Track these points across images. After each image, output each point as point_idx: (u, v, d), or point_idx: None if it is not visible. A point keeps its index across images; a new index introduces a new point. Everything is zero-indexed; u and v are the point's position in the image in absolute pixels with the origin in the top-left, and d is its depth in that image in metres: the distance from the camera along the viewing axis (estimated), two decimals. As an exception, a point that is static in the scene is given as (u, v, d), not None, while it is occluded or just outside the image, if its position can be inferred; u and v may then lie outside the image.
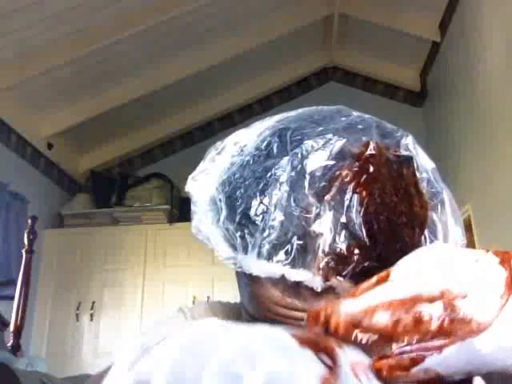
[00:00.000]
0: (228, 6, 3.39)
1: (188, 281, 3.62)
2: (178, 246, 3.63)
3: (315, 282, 0.44)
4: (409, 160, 0.49)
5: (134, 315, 3.58)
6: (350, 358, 0.33)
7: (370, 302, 0.34)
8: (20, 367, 2.12)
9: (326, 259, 0.44)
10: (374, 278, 0.36)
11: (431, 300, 0.34)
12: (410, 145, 0.50)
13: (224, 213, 0.49)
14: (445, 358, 0.32)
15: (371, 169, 0.46)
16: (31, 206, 3.38)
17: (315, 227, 0.44)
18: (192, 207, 0.52)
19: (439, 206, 0.49)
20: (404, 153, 0.49)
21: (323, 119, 0.50)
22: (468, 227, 3.06)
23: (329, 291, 0.45)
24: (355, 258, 0.44)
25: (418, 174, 0.48)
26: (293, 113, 0.54)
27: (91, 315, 3.61)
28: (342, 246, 0.44)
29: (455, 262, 0.35)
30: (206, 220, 0.50)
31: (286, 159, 0.47)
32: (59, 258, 3.76)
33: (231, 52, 3.73)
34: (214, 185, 0.51)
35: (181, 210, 3.87)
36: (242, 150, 0.51)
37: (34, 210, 3.19)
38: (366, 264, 0.44)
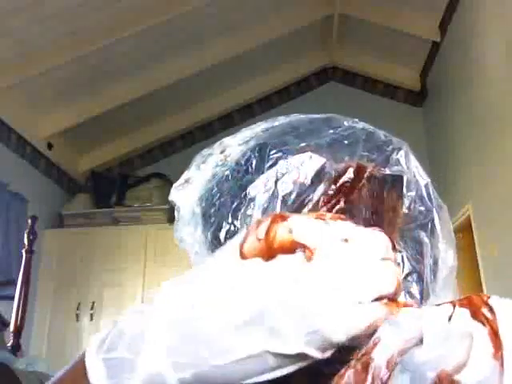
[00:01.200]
0: (228, 6, 3.39)
1: (188, 281, 3.62)
2: (177, 246, 3.62)
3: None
4: (395, 179, 0.46)
5: (134, 315, 3.57)
6: None
7: None
8: (20, 367, 2.12)
9: None
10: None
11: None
12: (401, 159, 0.47)
13: (199, 228, 0.49)
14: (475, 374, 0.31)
15: (348, 194, 0.44)
16: (31, 206, 3.38)
17: None
18: (176, 214, 0.53)
19: (429, 226, 0.46)
20: (394, 169, 0.46)
21: (308, 132, 0.48)
22: (468, 227, 3.06)
23: None
24: None
25: (405, 192, 0.46)
26: (282, 120, 0.52)
27: (91, 315, 3.61)
28: None
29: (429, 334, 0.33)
30: (187, 230, 0.51)
31: (260, 179, 0.46)
32: (59, 258, 3.76)
33: (231, 52, 3.73)
34: (195, 196, 0.51)
35: (181, 210, 3.86)
36: (225, 160, 0.51)
37: (34, 210, 3.18)
38: None
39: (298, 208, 0.44)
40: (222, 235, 0.46)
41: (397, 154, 0.47)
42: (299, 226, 0.34)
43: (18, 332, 2.44)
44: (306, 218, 0.35)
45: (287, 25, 3.76)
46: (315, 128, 0.49)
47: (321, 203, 0.44)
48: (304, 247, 0.33)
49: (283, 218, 0.34)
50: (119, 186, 4.04)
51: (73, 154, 4.15)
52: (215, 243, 0.47)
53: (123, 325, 0.35)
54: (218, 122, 4.41)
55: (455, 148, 3.50)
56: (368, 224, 0.42)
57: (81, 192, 4.13)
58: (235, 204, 0.46)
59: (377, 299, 0.32)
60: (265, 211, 0.44)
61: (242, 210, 0.45)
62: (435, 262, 0.46)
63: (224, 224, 0.46)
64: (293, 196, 0.44)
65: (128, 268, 3.72)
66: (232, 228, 0.45)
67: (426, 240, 0.46)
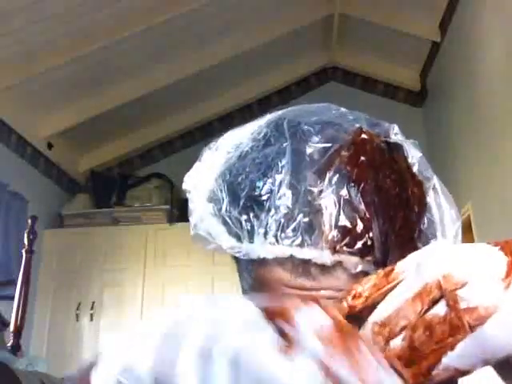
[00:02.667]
0: (228, 6, 3.39)
1: (188, 281, 3.62)
2: (177, 246, 3.63)
3: (324, 257, 0.44)
4: (398, 147, 0.50)
5: (134, 315, 3.58)
6: (310, 318, 0.34)
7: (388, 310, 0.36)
8: (20, 367, 2.12)
9: (332, 233, 0.44)
10: (381, 272, 0.38)
11: (433, 296, 0.34)
12: (398, 134, 0.51)
13: (226, 200, 0.49)
14: (459, 354, 0.33)
15: (366, 152, 0.48)
16: (31, 206, 3.38)
17: (320, 202, 0.45)
18: (189, 204, 0.52)
19: (431, 191, 0.50)
20: (393, 139, 0.51)
21: (315, 111, 0.52)
22: (468, 227, 3.06)
23: (337, 267, 0.45)
24: (358, 230, 0.44)
25: (408, 160, 0.50)
26: (283, 110, 0.54)
27: (91, 315, 3.61)
28: (345, 219, 0.45)
29: (453, 252, 0.36)
30: (205, 214, 0.50)
31: (285, 144, 0.48)
32: (59, 258, 3.76)
33: (231, 52, 3.73)
34: (213, 178, 0.51)
35: (181, 210, 3.87)
36: (237, 147, 0.52)
37: (34, 210, 3.18)
38: (369, 235, 0.44)
39: (323, 167, 0.46)
40: (256, 193, 0.47)
41: (393, 129, 0.52)
42: None
43: (18, 332, 2.44)
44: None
45: (287, 25, 3.76)
46: (319, 110, 0.53)
47: (343, 161, 0.47)
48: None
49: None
50: (119, 186, 4.04)
51: (73, 154, 4.15)
52: (250, 205, 0.47)
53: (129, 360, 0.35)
54: (217, 122, 4.41)
55: (455, 148, 3.50)
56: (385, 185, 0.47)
57: (81, 192, 4.13)
58: (263, 169, 0.47)
59: None
60: (294, 169, 0.46)
61: (272, 173, 0.47)
62: (442, 222, 0.50)
63: (257, 184, 0.47)
64: (318, 154, 0.47)
65: (128, 268, 3.72)
66: (266, 186, 0.47)
67: (431, 201, 0.50)
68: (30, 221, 2.73)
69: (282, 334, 0.33)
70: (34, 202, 3.47)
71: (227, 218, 0.48)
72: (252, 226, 0.47)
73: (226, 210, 0.48)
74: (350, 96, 4.31)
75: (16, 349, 2.39)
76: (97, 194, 4.06)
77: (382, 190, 0.47)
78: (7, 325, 2.42)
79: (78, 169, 4.22)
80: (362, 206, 0.45)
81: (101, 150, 4.25)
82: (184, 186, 0.53)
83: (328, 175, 0.46)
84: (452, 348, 0.33)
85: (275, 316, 0.34)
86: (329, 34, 4.11)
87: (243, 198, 0.47)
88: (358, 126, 0.50)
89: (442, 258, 0.36)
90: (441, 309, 0.34)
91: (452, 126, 3.58)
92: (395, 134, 0.51)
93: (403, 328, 0.35)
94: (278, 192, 0.46)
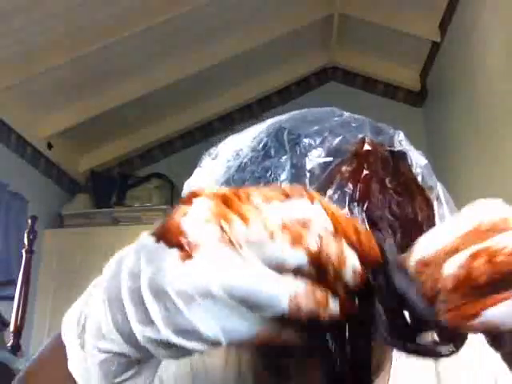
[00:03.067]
0: (228, 6, 3.39)
1: (188, 281, 3.62)
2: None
3: None
4: (403, 156, 0.49)
5: (134, 315, 3.57)
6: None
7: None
8: (20, 367, 2.12)
9: None
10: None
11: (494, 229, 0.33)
12: (403, 141, 0.50)
13: None
14: (501, 311, 0.32)
15: (369, 164, 0.47)
16: (31, 206, 3.38)
17: None
18: None
19: (435, 201, 0.49)
20: (398, 148, 0.50)
21: (316, 119, 0.51)
22: (468, 227, 3.05)
23: None
24: None
25: (413, 169, 0.49)
26: (285, 115, 0.54)
27: (91, 315, 3.61)
28: None
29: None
30: None
31: (284, 158, 0.47)
32: (59, 258, 3.75)
33: (231, 52, 3.73)
34: (212, 181, 0.51)
35: (181, 210, 3.86)
36: (237, 154, 0.51)
37: (34, 210, 3.18)
38: None
39: (324, 183, 0.45)
40: None
41: (398, 136, 0.51)
42: (199, 210, 0.32)
43: (18, 332, 2.44)
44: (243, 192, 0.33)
45: (287, 25, 3.76)
46: (321, 116, 0.51)
47: (345, 177, 0.46)
48: (180, 245, 0.31)
49: (195, 196, 0.33)
50: (119, 186, 4.04)
51: (73, 154, 4.15)
52: None
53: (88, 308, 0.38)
54: (218, 122, 4.40)
55: (455, 148, 3.50)
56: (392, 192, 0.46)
57: (81, 192, 4.13)
58: (261, 185, 0.46)
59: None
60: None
61: None
62: None
63: None
64: (319, 170, 0.46)
65: (128, 268, 3.71)
66: None
67: (435, 212, 0.49)
68: (29, 221, 2.73)
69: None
70: (34, 202, 3.46)
71: None
72: None
73: None
74: (349, 96, 4.31)
75: (16, 349, 2.39)
76: (97, 194, 4.06)
77: (388, 204, 0.46)
78: (7, 325, 2.42)
79: (78, 169, 4.22)
80: (365, 226, 0.44)
81: (101, 150, 4.25)
82: (183, 194, 0.53)
83: (328, 193, 0.45)
84: (495, 304, 0.31)
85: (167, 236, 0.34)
86: (329, 34, 4.11)
87: None
88: (360, 136, 0.48)
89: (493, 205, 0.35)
90: (507, 241, 0.32)
91: (452, 125, 3.58)
92: (400, 142, 0.50)
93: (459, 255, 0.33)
94: None
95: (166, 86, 3.72)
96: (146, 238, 0.34)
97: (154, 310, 0.31)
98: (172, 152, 4.44)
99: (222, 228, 0.30)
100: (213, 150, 0.54)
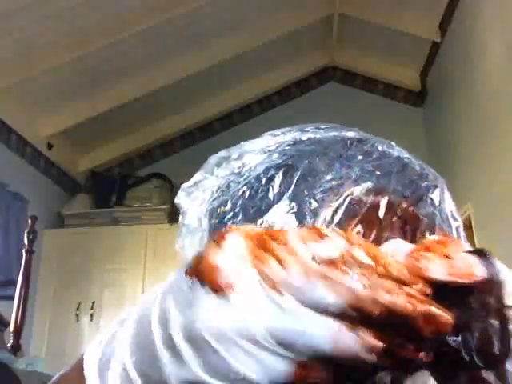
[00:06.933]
0: (228, 6, 3.39)
1: (188, 281, 3.62)
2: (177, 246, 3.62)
3: None
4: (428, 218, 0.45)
5: (134, 315, 3.57)
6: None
7: None
8: (20, 367, 2.12)
9: None
10: None
11: None
12: (435, 199, 0.45)
13: (204, 243, 0.47)
14: None
15: (378, 231, 0.43)
16: (31, 206, 3.38)
17: None
18: (180, 218, 0.50)
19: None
20: (427, 210, 0.45)
21: (338, 157, 0.46)
22: (468, 227, 3.06)
23: None
24: None
25: (437, 230, 0.45)
26: (310, 133, 0.48)
27: (91, 315, 3.61)
28: None
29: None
30: (190, 240, 0.49)
31: (281, 205, 0.43)
32: (59, 258, 3.76)
33: (231, 52, 3.73)
34: (204, 206, 0.48)
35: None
36: (243, 169, 0.48)
37: (34, 210, 3.18)
38: None
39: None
40: None
41: (432, 192, 0.45)
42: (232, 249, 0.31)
43: (17, 332, 2.44)
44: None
45: (287, 25, 3.76)
46: (346, 153, 0.46)
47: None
48: (217, 286, 0.30)
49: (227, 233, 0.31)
50: (119, 185, 4.04)
51: (73, 154, 4.15)
52: None
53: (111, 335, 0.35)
54: (217, 122, 4.41)
55: (455, 148, 3.50)
56: None
57: (81, 192, 4.13)
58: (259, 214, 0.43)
59: None
60: None
61: None
62: None
63: None
64: (328, 218, 0.42)
65: (128, 268, 3.72)
66: None
67: None
68: (29, 221, 2.73)
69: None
70: (34, 202, 3.47)
71: None
72: None
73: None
74: (349, 96, 4.31)
75: (16, 349, 2.39)
76: (97, 194, 4.06)
77: None
78: (7, 325, 2.42)
79: (78, 169, 4.22)
80: None
81: (101, 149, 4.25)
82: (177, 200, 0.51)
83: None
84: None
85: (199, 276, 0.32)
86: (329, 34, 4.11)
87: None
88: (379, 194, 0.43)
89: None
90: None
91: (452, 125, 3.58)
92: (432, 201, 0.44)
93: None
94: None
95: (166, 86, 3.72)
96: (178, 276, 0.33)
97: (189, 353, 0.30)
98: (172, 152, 4.44)
99: (259, 270, 0.30)
100: (222, 154, 0.51)
